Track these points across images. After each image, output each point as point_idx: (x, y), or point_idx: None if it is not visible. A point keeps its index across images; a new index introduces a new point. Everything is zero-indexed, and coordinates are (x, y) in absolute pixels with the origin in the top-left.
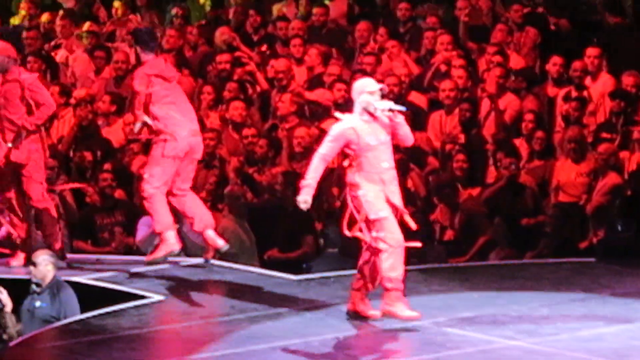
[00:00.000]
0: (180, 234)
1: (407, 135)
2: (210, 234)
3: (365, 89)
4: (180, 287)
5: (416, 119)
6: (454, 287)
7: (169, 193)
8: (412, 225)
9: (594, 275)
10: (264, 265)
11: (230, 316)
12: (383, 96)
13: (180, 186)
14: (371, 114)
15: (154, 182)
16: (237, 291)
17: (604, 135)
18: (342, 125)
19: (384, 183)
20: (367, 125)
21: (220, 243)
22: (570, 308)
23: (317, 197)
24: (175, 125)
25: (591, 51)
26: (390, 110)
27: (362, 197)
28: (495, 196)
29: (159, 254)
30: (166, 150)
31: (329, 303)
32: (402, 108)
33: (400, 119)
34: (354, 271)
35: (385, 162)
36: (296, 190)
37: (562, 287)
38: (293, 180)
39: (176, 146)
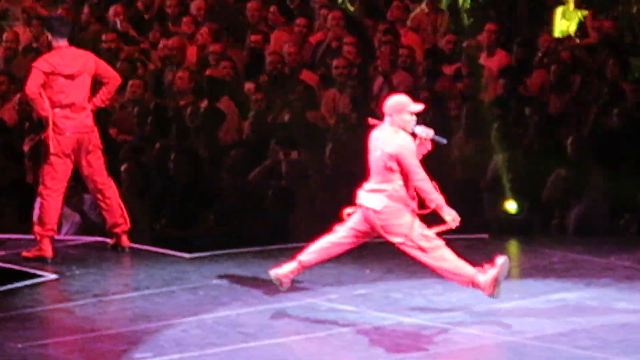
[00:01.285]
0: (81, 214)
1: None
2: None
3: (407, 108)
4: (74, 266)
5: (309, 97)
6: (346, 263)
7: (95, 190)
8: None
9: (488, 251)
10: (157, 243)
11: (124, 294)
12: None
13: (97, 179)
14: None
15: (45, 182)
16: (131, 269)
17: (497, 111)
18: (408, 140)
19: None
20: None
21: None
22: None
23: (213, 176)
24: (61, 121)
25: (489, 27)
26: (432, 139)
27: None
28: None
29: (31, 254)
30: (51, 148)
31: (222, 281)
32: (444, 140)
33: (429, 149)
34: (247, 249)
35: (411, 186)
36: (188, 168)
37: None
38: (186, 158)
39: (60, 142)
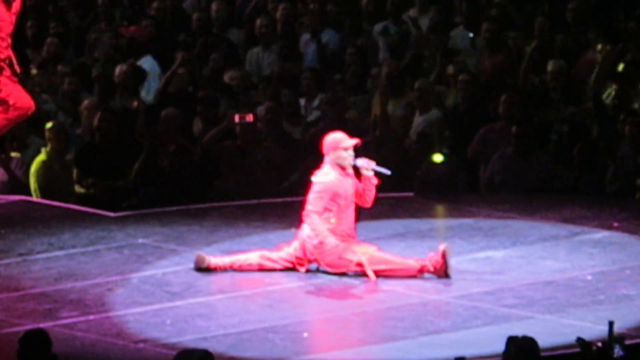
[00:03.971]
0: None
1: (371, 198)
2: None
3: (340, 145)
4: None
5: (233, 55)
6: (273, 223)
7: None
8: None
9: (413, 209)
10: (81, 201)
11: (49, 253)
12: (356, 151)
13: None
14: (344, 169)
15: None
16: (55, 228)
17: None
18: (327, 177)
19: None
20: (343, 180)
21: None
22: (390, 243)
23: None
24: None
25: None
26: (373, 170)
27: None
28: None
29: None
30: None
31: (147, 240)
32: (387, 171)
33: (374, 183)
34: (172, 208)
35: (351, 222)
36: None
37: (382, 222)
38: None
39: None
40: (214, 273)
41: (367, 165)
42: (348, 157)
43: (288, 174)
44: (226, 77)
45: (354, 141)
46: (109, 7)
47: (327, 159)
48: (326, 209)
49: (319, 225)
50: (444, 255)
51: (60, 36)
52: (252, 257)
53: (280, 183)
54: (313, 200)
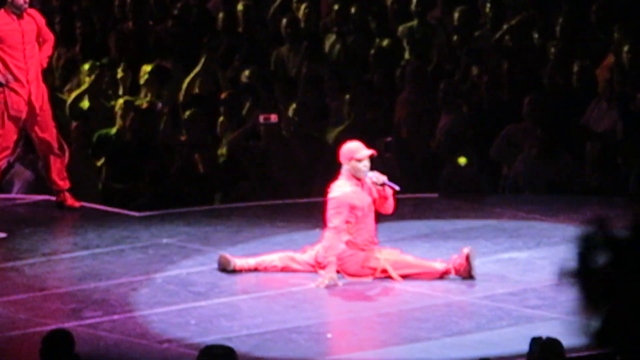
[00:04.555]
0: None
1: (391, 206)
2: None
3: (354, 155)
4: (23, 224)
5: (256, 54)
6: (298, 224)
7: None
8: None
9: (437, 210)
10: (106, 201)
11: (73, 253)
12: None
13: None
14: (358, 180)
15: None
16: (80, 228)
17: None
18: (342, 191)
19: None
20: (358, 191)
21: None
22: (414, 244)
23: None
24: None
25: None
26: (383, 184)
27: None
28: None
29: None
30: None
31: (172, 240)
32: (396, 187)
33: (389, 193)
34: (197, 208)
35: (371, 230)
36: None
37: (406, 222)
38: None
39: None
40: (238, 273)
41: (377, 180)
42: (363, 167)
43: (312, 175)
44: (243, 76)
45: (369, 152)
46: (136, 6)
47: (344, 168)
48: (346, 222)
49: (330, 249)
50: (468, 258)
51: (86, 36)
52: (277, 259)
53: (304, 184)
54: (332, 217)
